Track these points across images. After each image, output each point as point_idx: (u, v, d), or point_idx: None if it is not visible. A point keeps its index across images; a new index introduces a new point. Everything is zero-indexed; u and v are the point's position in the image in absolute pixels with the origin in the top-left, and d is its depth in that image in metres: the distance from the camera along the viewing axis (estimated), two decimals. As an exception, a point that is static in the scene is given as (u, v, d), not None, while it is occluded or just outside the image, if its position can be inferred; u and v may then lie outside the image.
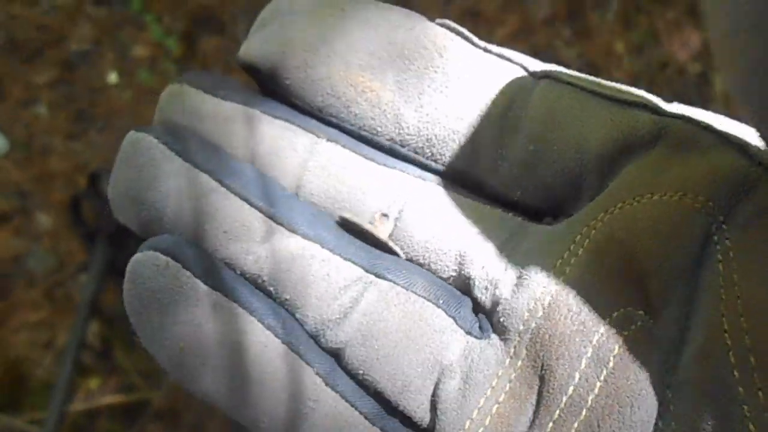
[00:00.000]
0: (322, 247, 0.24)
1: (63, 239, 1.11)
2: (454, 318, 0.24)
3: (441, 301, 0.24)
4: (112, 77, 1.20)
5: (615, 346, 0.22)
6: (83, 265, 1.09)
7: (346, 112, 0.26)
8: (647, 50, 1.15)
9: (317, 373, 0.23)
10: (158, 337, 0.24)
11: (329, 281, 0.24)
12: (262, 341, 0.23)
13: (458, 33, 0.26)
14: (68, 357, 1.02)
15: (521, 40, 1.12)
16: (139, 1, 1.22)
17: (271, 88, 0.26)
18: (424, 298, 0.24)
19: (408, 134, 0.26)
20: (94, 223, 1.05)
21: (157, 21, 1.22)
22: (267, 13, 0.27)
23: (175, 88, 0.27)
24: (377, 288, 0.24)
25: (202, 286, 0.23)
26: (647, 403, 0.22)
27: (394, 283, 0.24)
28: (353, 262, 0.24)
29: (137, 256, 0.24)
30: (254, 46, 0.26)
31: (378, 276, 0.24)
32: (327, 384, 0.23)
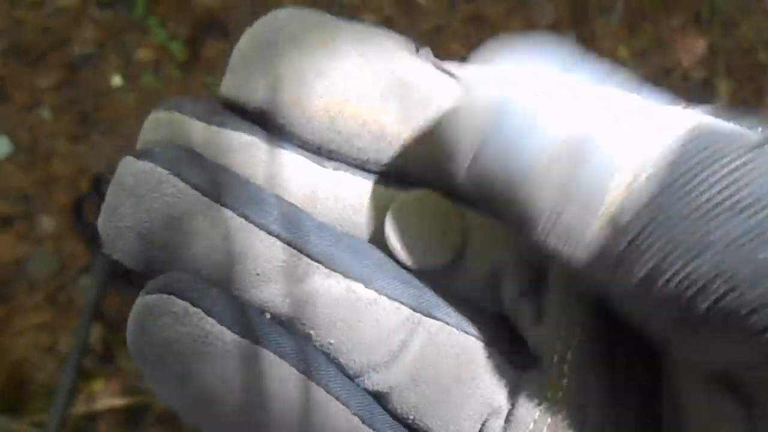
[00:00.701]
0: (366, 286, 0.22)
1: (65, 242, 1.11)
2: (503, 354, 0.23)
3: (491, 338, 0.23)
4: (116, 80, 1.20)
5: None
6: (85, 269, 1.09)
7: (348, 146, 0.24)
8: (651, 56, 1.15)
9: (355, 413, 0.22)
10: (177, 387, 0.21)
11: (378, 326, 0.22)
12: (298, 388, 0.21)
13: (444, 71, 0.25)
14: (70, 360, 1.02)
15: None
16: (143, 5, 1.22)
17: (261, 125, 0.24)
18: (475, 336, 0.23)
19: (417, 166, 0.24)
20: (96, 226, 1.05)
21: (161, 25, 1.22)
22: (247, 44, 0.24)
23: (160, 116, 0.24)
24: (426, 329, 0.23)
25: (230, 335, 0.21)
26: None
27: (444, 322, 0.23)
28: (401, 302, 0.23)
29: (146, 299, 0.21)
30: (238, 83, 0.24)
31: (427, 315, 0.23)
32: (364, 422, 0.22)
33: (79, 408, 1.02)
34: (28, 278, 1.09)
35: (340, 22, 0.24)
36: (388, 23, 1.19)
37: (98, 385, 1.04)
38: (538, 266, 0.24)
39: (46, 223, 1.12)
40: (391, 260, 0.24)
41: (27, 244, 1.11)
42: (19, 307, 1.08)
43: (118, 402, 1.02)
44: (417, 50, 0.25)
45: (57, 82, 1.20)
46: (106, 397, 1.03)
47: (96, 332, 1.05)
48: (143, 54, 1.22)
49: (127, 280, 1.04)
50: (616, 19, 1.15)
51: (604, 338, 0.23)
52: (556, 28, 1.14)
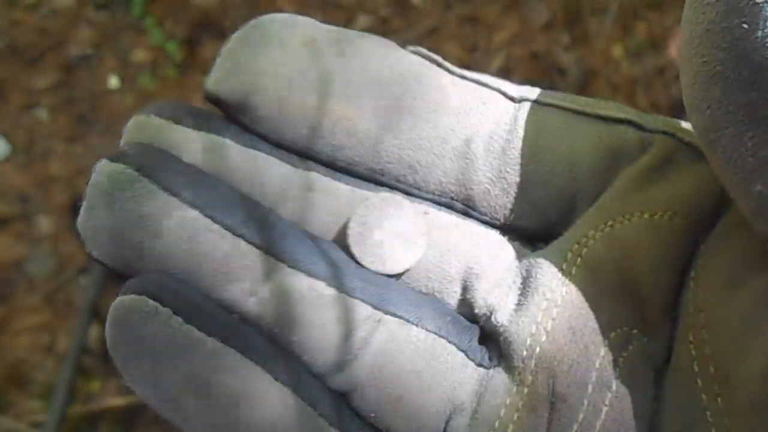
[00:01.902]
0: (328, 284, 0.23)
1: (63, 243, 1.11)
2: (465, 352, 0.24)
3: (451, 335, 0.24)
4: (113, 81, 1.20)
5: (616, 369, 0.23)
6: (84, 269, 1.09)
7: (321, 143, 0.24)
8: (645, 55, 1.15)
9: (320, 414, 0.22)
10: (150, 383, 0.22)
11: (339, 324, 0.23)
12: (264, 386, 0.22)
13: (433, 60, 0.25)
14: (69, 360, 1.02)
15: (520, 45, 1.13)
16: (140, 6, 1.23)
17: (240, 122, 0.25)
18: (435, 333, 0.23)
19: (388, 162, 0.24)
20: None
21: (157, 26, 1.22)
22: (234, 44, 0.25)
23: (140, 119, 0.25)
24: (387, 326, 0.23)
25: (197, 333, 0.22)
26: (646, 423, 0.22)
27: (404, 319, 0.23)
28: (362, 300, 0.23)
29: (121, 299, 0.22)
30: (222, 78, 0.25)
31: (387, 313, 0.23)
32: (331, 424, 0.23)
33: (78, 408, 1.02)
34: (27, 279, 1.09)
35: (323, 25, 0.25)
36: (384, 24, 1.19)
37: (97, 385, 1.04)
38: (516, 261, 0.25)
39: (44, 224, 1.12)
40: (354, 260, 0.24)
41: (25, 244, 1.11)
42: (18, 308, 1.08)
43: (117, 402, 1.02)
44: (404, 47, 0.26)
45: (54, 83, 1.20)
46: (105, 397, 1.03)
47: (94, 332, 1.05)
48: (140, 55, 1.22)
49: (125, 278, 1.04)
50: (609, 19, 1.15)
51: (584, 331, 0.23)
52: (549, 28, 1.14)
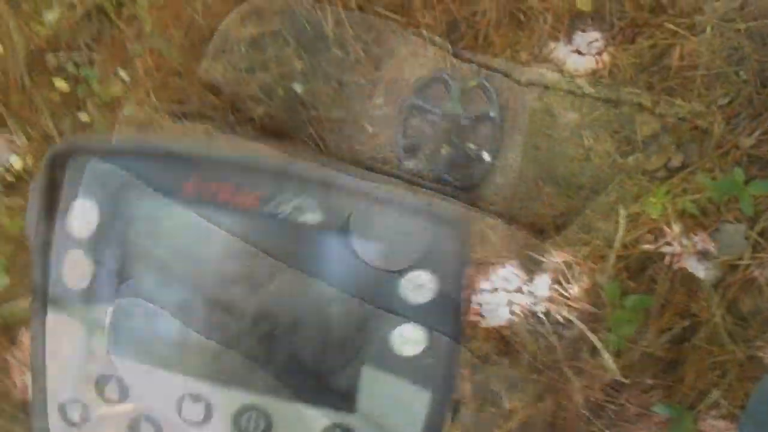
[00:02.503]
0: (329, 284, 0.23)
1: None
2: (469, 347, 0.24)
3: (455, 331, 0.24)
4: (116, 89, 1.20)
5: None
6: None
7: (320, 132, 0.24)
8: (648, 57, 1.15)
9: (323, 415, 0.23)
10: (150, 381, 0.23)
11: (340, 323, 0.23)
12: (264, 385, 0.23)
13: (437, 44, 0.25)
14: (74, 367, 1.02)
15: (522, 52, 1.13)
16: (142, 13, 1.23)
17: (236, 107, 0.25)
18: (438, 330, 0.24)
19: (390, 151, 0.24)
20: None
21: (159, 35, 1.22)
22: (228, 28, 0.24)
23: (134, 111, 0.24)
24: (388, 323, 0.23)
25: (195, 336, 0.22)
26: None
27: (405, 316, 0.24)
28: (362, 299, 0.23)
29: (122, 302, 0.23)
30: (217, 67, 0.24)
31: (388, 311, 0.23)
32: (335, 424, 0.23)
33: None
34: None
35: (321, 9, 0.24)
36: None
37: (102, 391, 1.04)
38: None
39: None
40: (354, 256, 0.24)
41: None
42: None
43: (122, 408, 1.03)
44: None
45: (57, 90, 1.20)
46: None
47: (100, 338, 1.05)
48: (142, 61, 1.22)
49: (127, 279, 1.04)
50: (612, 26, 1.16)
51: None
52: (552, 35, 1.15)
